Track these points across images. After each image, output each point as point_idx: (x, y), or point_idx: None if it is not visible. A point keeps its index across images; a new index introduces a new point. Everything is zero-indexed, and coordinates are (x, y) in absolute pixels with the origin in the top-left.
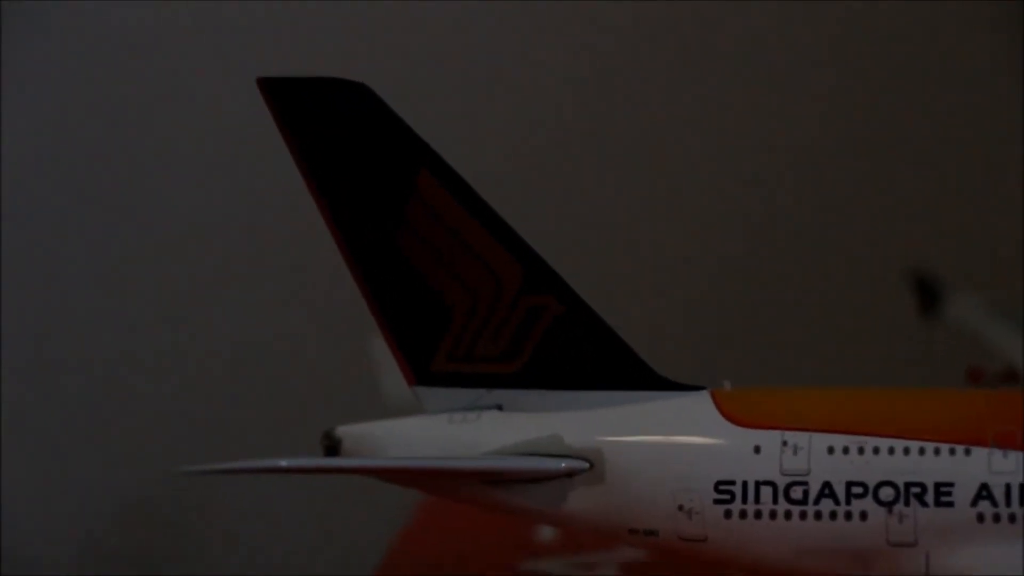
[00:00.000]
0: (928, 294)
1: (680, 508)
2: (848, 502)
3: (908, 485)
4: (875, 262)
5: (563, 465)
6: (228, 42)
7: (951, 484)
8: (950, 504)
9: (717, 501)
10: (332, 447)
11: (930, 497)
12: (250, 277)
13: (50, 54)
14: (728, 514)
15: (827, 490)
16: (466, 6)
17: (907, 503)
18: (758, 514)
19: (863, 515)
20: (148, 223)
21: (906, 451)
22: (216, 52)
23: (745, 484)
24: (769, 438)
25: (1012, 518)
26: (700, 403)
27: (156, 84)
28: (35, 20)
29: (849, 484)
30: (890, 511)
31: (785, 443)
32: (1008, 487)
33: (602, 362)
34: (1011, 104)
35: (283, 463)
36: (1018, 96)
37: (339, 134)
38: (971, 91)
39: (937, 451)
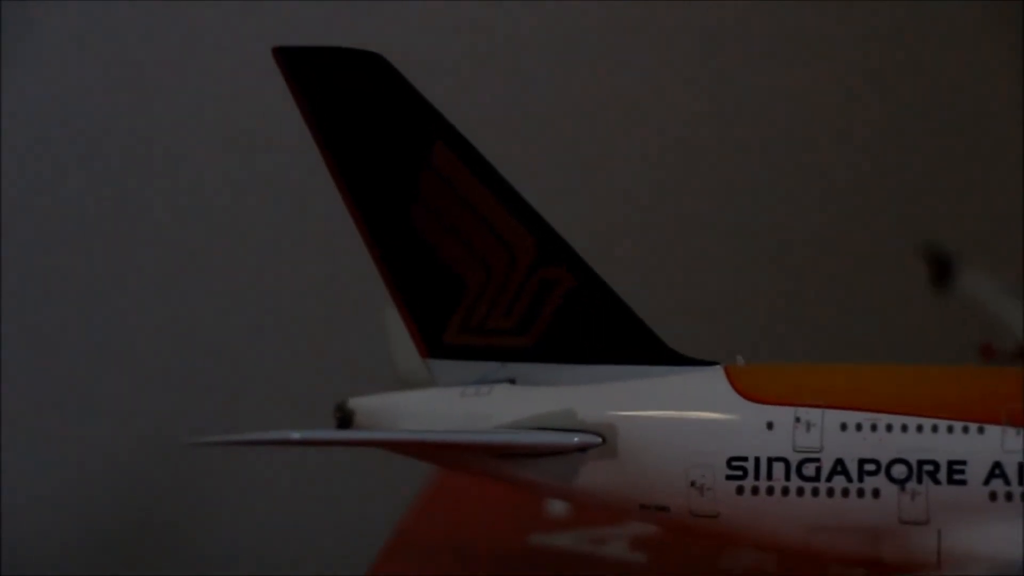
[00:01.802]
0: (941, 268)
1: (692, 484)
2: (860, 479)
3: (921, 463)
4: (888, 236)
5: (576, 439)
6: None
7: (964, 462)
8: (963, 482)
9: (729, 477)
10: (344, 419)
11: (943, 475)
12: (262, 249)
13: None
14: (740, 490)
15: (840, 467)
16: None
17: (920, 481)
18: (770, 490)
19: (875, 492)
20: (152, 195)
21: (919, 429)
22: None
23: (758, 460)
24: (782, 414)
25: None
26: (713, 378)
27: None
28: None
29: (862, 461)
30: (902, 489)
31: (798, 419)
32: (1021, 466)
33: (615, 336)
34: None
35: (295, 435)
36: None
37: (354, 105)
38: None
39: (950, 429)
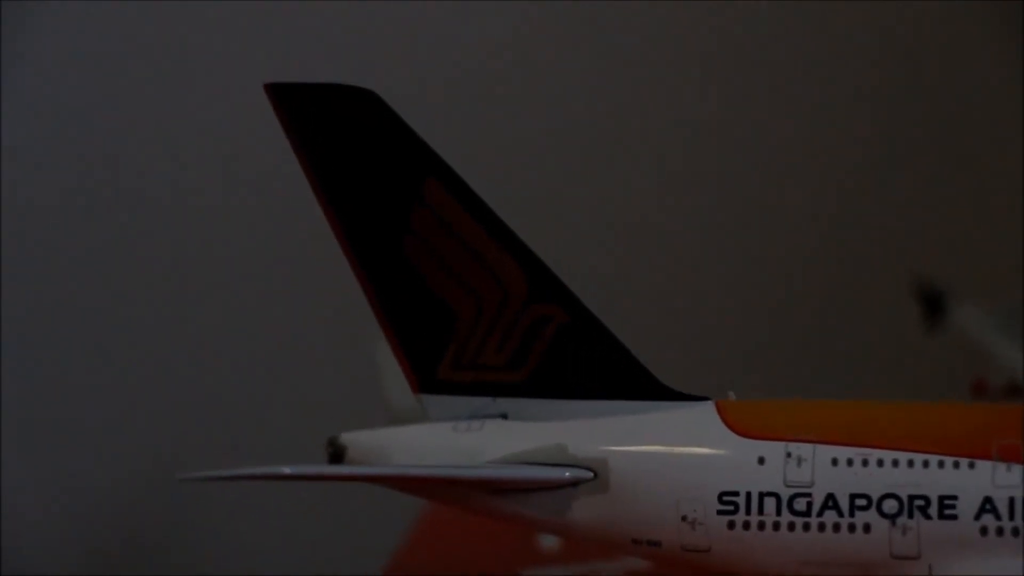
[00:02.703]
0: (933, 305)
1: (684, 519)
2: (852, 514)
3: (912, 498)
4: (879, 273)
5: (567, 474)
6: (229, 41)
7: (955, 497)
8: (954, 517)
9: (721, 512)
10: (336, 454)
11: (934, 510)
12: (255, 282)
13: (50, 53)
14: (732, 525)
15: (831, 502)
16: (474, 12)
17: (911, 516)
18: (761, 525)
19: (866, 527)
20: (150, 227)
21: (910, 463)
22: (217, 50)
23: (749, 495)
24: (773, 449)
25: (1016, 532)
26: (704, 414)
27: (156, 82)
28: (35, 20)
29: (853, 496)
30: (893, 523)
31: (789, 454)
32: (1012, 500)
33: (607, 372)
34: (1012, 104)
35: (286, 470)
36: (1018, 96)
37: (346, 141)
38: (971, 91)
39: (941, 464)
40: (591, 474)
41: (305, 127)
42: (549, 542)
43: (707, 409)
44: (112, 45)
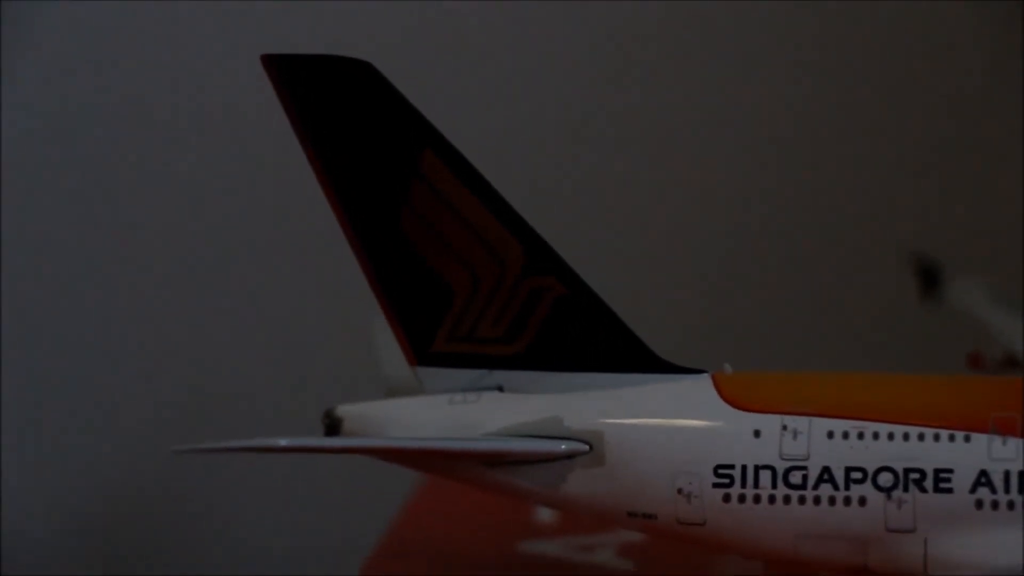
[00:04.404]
0: (929, 278)
1: (679, 492)
2: (847, 487)
3: (907, 471)
4: (877, 246)
5: (563, 447)
6: (229, 41)
7: (950, 470)
8: (949, 490)
9: (716, 485)
10: (332, 426)
11: (929, 483)
12: (251, 258)
13: (50, 54)
14: (727, 498)
15: (826, 475)
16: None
17: (906, 489)
18: (757, 498)
19: (862, 500)
20: (143, 209)
21: (906, 437)
22: (217, 51)
23: (744, 468)
24: (769, 422)
25: (1011, 505)
26: (700, 386)
27: (156, 83)
28: (35, 20)
29: (848, 469)
30: (889, 497)
31: (785, 427)
32: (1007, 474)
33: (603, 344)
34: (1011, 104)
35: (282, 442)
36: (1018, 96)
37: (343, 113)
38: (971, 91)
39: (937, 437)
40: (587, 447)
41: (301, 99)
42: (545, 515)
43: (703, 382)
44: (112, 45)
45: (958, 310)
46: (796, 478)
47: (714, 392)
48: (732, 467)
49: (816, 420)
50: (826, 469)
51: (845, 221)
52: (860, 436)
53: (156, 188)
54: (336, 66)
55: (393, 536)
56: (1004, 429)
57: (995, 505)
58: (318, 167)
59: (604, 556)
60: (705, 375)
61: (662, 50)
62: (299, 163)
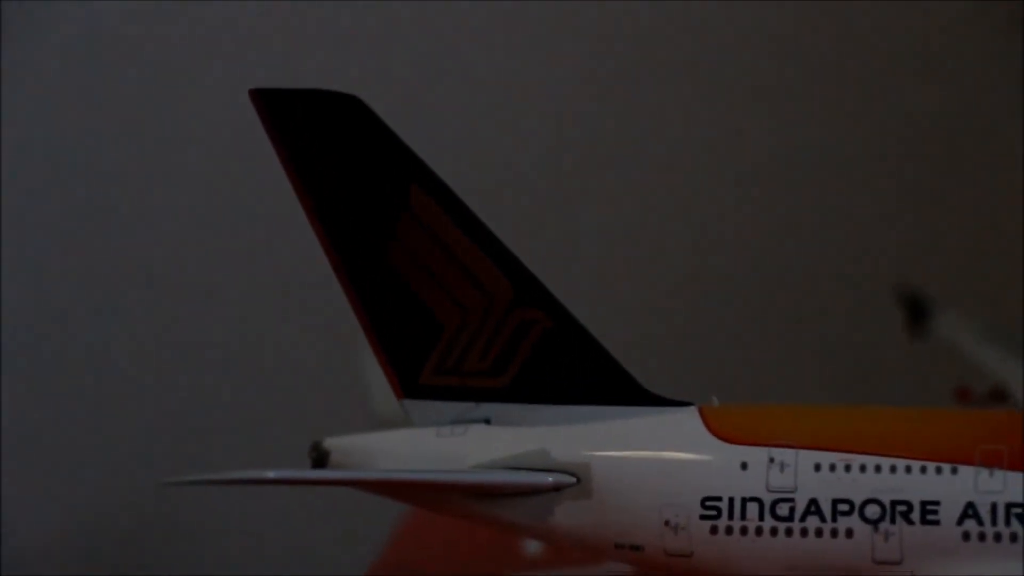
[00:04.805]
0: (916, 311)
1: (666, 523)
2: (834, 519)
3: (894, 503)
4: (865, 279)
5: (550, 479)
6: (228, 41)
7: (937, 502)
8: (936, 522)
9: (703, 517)
10: (320, 459)
11: (916, 515)
12: (242, 288)
13: (50, 54)
14: (714, 530)
15: (813, 507)
16: (459, 16)
17: (893, 521)
18: (744, 530)
19: (849, 532)
20: (140, 236)
21: (892, 469)
22: (216, 51)
23: (732, 500)
24: (756, 454)
25: (998, 537)
26: (687, 419)
27: (156, 84)
28: (35, 20)
29: (835, 501)
30: (876, 529)
31: (772, 460)
32: (994, 506)
33: (590, 377)
34: (1011, 104)
35: (270, 474)
36: (1018, 96)
37: (331, 147)
38: (971, 91)
39: (924, 469)
40: (574, 479)
41: (290, 132)
42: (532, 547)
43: (690, 414)
44: (112, 45)
45: (945, 343)
46: (783, 510)
47: (701, 424)
48: (719, 499)
49: (803, 452)
50: (813, 501)
51: (832, 254)
52: (847, 468)
53: (150, 215)
54: (324, 100)
55: (379, 568)
56: (991, 461)
57: (982, 537)
58: (305, 200)
59: None
60: (692, 407)
61: (653, 81)
62: (288, 195)
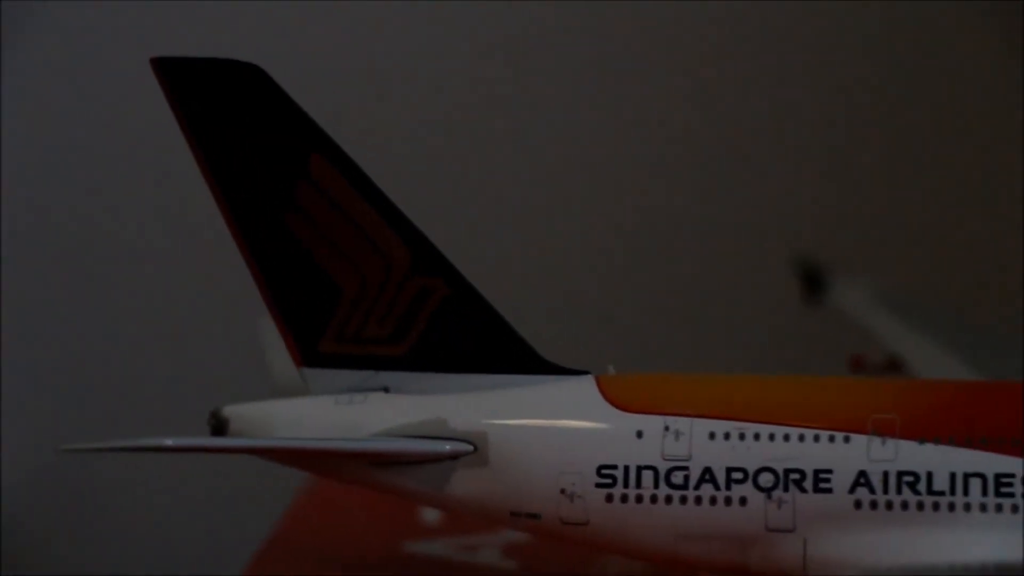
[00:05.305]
0: (812, 280)
1: (562, 492)
2: (728, 487)
3: (788, 471)
4: (759, 248)
5: (447, 448)
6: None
7: (830, 471)
8: (829, 491)
9: (599, 485)
10: (219, 427)
11: (809, 483)
12: (141, 258)
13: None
14: (610, 498)
15: (708, 475)
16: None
17: (786, 489)
18: (639, 498)
19: (743, 500)
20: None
21: (786, 437)
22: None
23: (627, 469)
24: (651, 423)
25: (889, 505)
26: (584, 388)
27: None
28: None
29: (729, 470)
30: (769, 497)
31: (667, 428)
32: (886, 475)
33: (488, 345)
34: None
35: (168, 441)
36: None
37: (232, 115)
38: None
39: (817, 438)
40: (471, 447)
41: (190, 101)
42: (431, 515)
43: (587, 383)
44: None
45: (841, 312)
46: (678, 478)
47: (597, 393)
48: (615, 467)
49: (698, 421)
50: (707, 469)
51: (728, 225)
52: (741, 437)
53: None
54: (225, 69)
55: (278, 536)
56: (883, 430)
57: (874, 505)
58: (206, 168)
59: (489, 556)
60: (588, 376)
61: (552, 44)
62: (190, 163)
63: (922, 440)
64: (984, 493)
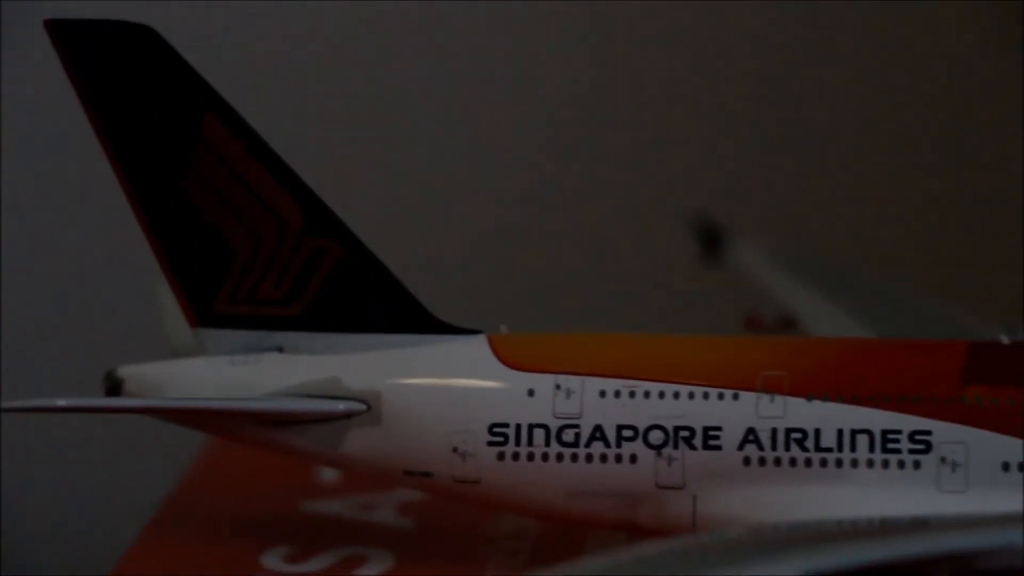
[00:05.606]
0: (709, 239)
1: (455, 450)
2: (619, 445)
3: (677, 429)
4: (657, 205)
5: (341, 407)
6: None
7: (719, 428)
8: (718, 448)
9: (491, 443)
10: (114, 387)
11: (698, 440)
12: (34, 218)
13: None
14: (501, 456)
15: (598, 433)
16: None
17: (676, 446)
18: (531, 456)
19: (633, 458)
20: None
21: (676, 395)
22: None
23: (519, 427)
24: (543, 382)
25: (778, 462)
26: (476, 347)
27: None
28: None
29: (620, 427)
30: (659, 454)
31: (558, 387)
32: (774, 431)
33: (381, 305)
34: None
35: (61, 402)
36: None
37: (124, 77)
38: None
39: (706, 395)
40: (364, 406)
41: (83, 63)
42: (328, 474)
43: (479, 342)
44: None
45: (737, 271)
46: (569, 436)
47: (489, 352)
48: (506, 426)
49: (589, 379)
50: (598, 427)
51: (624, 180)
52: (632, 395)
53: None
54: (117, 30)
55: (174, 499)
56: (771, 387)
57: (762, 462)
58: (98, 129)
59: (385, 514)
60: (481, 335)
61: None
62: (85, 126)
63: (810, 397)
64: (871, 449)
